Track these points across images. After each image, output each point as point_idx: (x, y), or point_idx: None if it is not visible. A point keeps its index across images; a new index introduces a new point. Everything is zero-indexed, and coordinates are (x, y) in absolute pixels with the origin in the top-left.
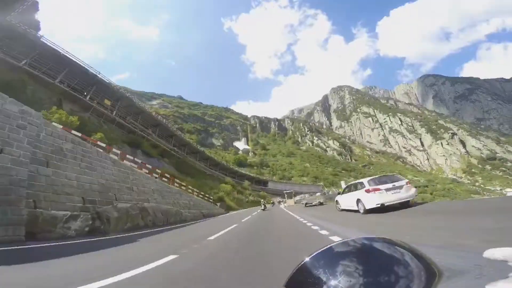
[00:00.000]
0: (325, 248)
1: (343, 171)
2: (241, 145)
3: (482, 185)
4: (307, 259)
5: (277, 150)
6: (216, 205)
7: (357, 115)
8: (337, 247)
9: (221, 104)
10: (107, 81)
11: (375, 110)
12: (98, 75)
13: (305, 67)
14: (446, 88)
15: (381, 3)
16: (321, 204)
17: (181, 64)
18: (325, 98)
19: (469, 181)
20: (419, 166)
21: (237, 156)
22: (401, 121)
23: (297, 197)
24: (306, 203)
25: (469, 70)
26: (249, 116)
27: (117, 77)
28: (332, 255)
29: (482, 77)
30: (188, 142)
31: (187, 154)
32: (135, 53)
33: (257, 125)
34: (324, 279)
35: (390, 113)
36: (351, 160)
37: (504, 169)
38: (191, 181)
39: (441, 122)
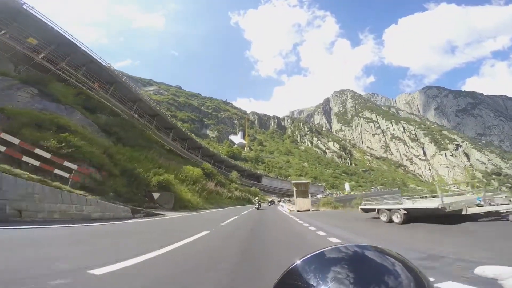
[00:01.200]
0: (317, 252)
1: (343, 174)
2: (237, 139)
3: None
4: (298, 262)
5: (275, 147)
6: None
7: (358, 119)
8: (329, 253)
9: (221, 98)
10: (38, 16)
11: (377, 116)
12: (22, 5)
13: (308, 69)
14: (449, 100)
15: (390, 10)
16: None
17: (184, 55)
18: (327, 101)
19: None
20: (420, 175)
21: (230, 148)
22: (404, 128)
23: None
24: (405, 211)
25: (472, 85)
26: (248, 112)
27: (118, 64)
28: (324, 260)
29: (485, 93)
30: (158, 112)
31: (159, 129)
32: (138, 41)
33: (256, 121)
34: (314, 284)
35: (393, 120)
36: (351, 164)
37: (510, 185)
38: (106, 145)
39: (445, 132)
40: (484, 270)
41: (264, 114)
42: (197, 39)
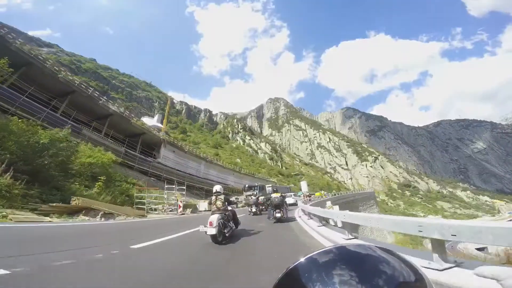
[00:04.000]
0: (313, 254)
1: (279, 175)
2: (151, 121)
3: (406, 210)
4: (300, 260)
5: (202, 139)
6: None
7: (288, 126)
8: (331, 252)
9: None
10: None
11: (306, 125)
12: None
13: (252, 75)
14: (362, 121)
15: (337, 32)
16: None
17: (119, 35)
18: (261, 107)
19: (392, 204)
20: (345, 183)
21: None
22: (329, 139)
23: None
24: None
25: (377, 111)
26: (176, 101)
27: (35, 32)
28: (326, 259)
29: (388, 118)
30: None
31: None
32: (65, 10)
33: (184, 111)
34: (317, 282)
35: (320, 130)
36: (282, 167)
37: (420, 196)
38: None
39: (364, 146)
40: (483, 271)
41: (194, 106)
42: (140, 20)
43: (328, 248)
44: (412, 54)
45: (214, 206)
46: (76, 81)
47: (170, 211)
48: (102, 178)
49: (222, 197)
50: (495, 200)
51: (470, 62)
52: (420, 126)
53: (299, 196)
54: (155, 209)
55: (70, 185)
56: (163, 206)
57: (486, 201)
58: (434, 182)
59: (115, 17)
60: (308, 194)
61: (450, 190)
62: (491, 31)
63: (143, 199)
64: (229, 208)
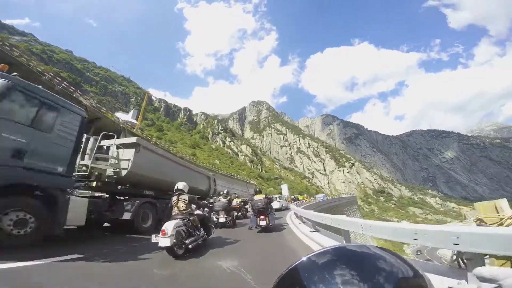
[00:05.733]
0: (313, 254)
1: (259, 178)
2: (125, 116)
3: (380, 215)
4: (295, 264)
5: (179, 138)
6: None
7: (270, 130)
8: (325, 254)
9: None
10: None
11: (287, 130)
12: None
13: (237, 77)
14: (339, 129)
15: (323, 38)
16: None
17: (103, 29)
18: (243, 109)
19: (367, 209)
20: (322, 188)
21: None
22: (309, 144)
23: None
24: None
25: (355, 119)
26: (155, 98)
27: (11, 21)
28: (321, 261)
29: (365, 126)
30: None
31: None
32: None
33: (162, 109)
34: (318, 282)
35: (300, 135)
36: (262, 170)
37: (394, 202)
38: None
39: (342, 152)
40: (482, 272)
41: (174, 104)
42: (126, 13)
43: (328, 248)
44: (392, 63)
45: (176, 208)
46: (6, 45)
47: None
48: None
49: (185, 197)
50: (461, 207)
51: (445, 74)
52: (394, 135)
53: (283, 199)
54: None
55: None
56: None
57: (453, 207)
58: (406, 189)
59: (100, 9)
60: (292, 197)
61: (421, 196)
62: (467, 43)
63: None
64: (197, 212)
